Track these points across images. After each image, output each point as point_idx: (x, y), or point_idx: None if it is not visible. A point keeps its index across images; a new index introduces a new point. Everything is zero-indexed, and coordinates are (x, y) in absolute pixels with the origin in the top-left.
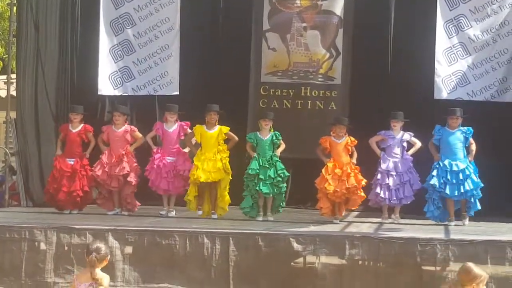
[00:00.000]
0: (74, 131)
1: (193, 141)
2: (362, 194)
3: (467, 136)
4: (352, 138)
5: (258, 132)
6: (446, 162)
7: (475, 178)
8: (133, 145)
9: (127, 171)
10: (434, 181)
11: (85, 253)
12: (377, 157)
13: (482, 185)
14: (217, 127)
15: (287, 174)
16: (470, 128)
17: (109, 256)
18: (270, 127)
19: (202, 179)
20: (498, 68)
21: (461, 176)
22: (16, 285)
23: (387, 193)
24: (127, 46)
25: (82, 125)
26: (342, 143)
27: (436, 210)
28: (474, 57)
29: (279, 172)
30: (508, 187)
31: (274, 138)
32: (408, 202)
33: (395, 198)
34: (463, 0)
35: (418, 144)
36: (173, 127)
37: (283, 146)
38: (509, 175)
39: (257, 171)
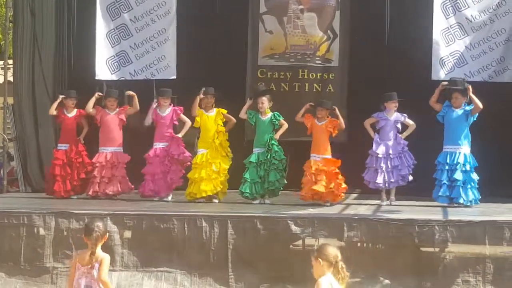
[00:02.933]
0: (70, 115)
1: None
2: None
3: (468, 115)
4: (333, 120)
5: (258, 113)
6: (448, 156)
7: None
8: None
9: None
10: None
11: (84, 233)
12: (372, 139)
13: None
14: (215, 109)
15: (282, 157)
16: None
17: (107, 234)
18: (267, 108)
19: (199, 195)
20: (495, 48)
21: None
22: (15, 270)
23: (378, 176)
24: (124, 30)
25: (76, 110)
26: (323, 126)
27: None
28: (471, 37)
29: (273, 155)
30: (506, 167)
31: (273, 118)
32: (400, 184)
33: (386, 181)
34: None
35: (412, 125)
36: (166, 111)
37: (285, 127)
38: (506, 155)
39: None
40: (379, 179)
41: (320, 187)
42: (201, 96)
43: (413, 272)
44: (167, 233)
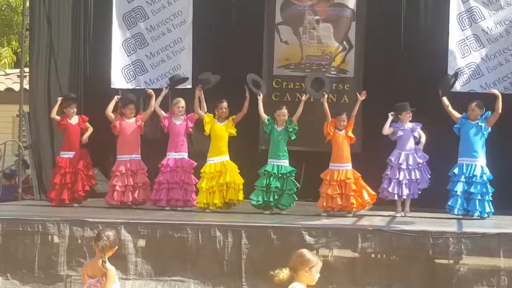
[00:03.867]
0: (72, 123)
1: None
2: (366, 198)
3: (483, 126)
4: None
5: (275, 124)
6: (464, 168)
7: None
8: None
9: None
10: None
11: (93, 240)
12: (391, 149)
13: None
14: (226, 120)
15: (291, 169)
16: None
17: (117, 246)
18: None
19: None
20: (511, 60)
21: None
22: (29, 278)
23: (396, 188)
24: (139, 39)
25: (78, 116)
26: (343, 134)
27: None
28: (487, 49)
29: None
30: None
31: (288, 126)
32: (416, 197)
33: (404, 193)
34: None
35: (423, 136)
36: (180, 120)
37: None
38: None
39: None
40: (391, 189)
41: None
42: (199, 89)
43: (427, 284)
44: (181, 242)
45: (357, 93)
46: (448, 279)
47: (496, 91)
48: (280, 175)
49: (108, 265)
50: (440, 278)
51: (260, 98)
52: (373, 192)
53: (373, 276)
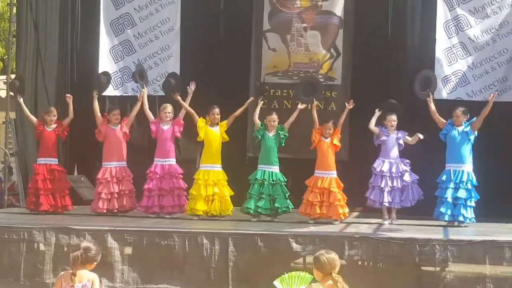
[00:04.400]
0: (49, 129)
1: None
2: (343, 211)
3: (469, 132)
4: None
5: (266, 130)
6: (452, 174)
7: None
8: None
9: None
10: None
11: (76, 253)
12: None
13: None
14: (218, 126)
15: (283, 178)
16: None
17: (96, 262)
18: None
19: (200, 212)
20: (498, 68)
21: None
22: (15, 286)
23: (379, 196)
24: (127, 46)
25: (56, 124)
26: (328, 142)
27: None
28: (474, 57)
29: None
30: (508, 186)
31: (279, 132)
32: (407, 206)
33: (389, 201)
34: (463, 0)
35: (413, 139)
36: (167, 125)
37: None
38: (508, 175)
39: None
40: (375, 197)
41: (318, 209)
42: (191, 89)
43: None
44: (168, 250)
45: (345, 102)
46: (434, 286)
47: (493, 94)
48: (272, 182)
49: (90, 273)
50: (427, 285)
51: (261, 103)
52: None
53: (360, 284)
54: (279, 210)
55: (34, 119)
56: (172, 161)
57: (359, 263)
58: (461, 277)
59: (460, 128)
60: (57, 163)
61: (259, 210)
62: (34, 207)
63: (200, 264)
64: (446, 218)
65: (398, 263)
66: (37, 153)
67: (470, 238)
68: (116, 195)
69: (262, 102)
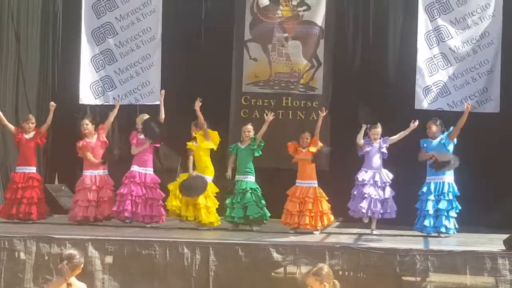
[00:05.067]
0: (27, 137)
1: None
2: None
3: (445, 142)
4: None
5: (239, 142)
6: (432, 187)
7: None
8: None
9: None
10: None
11: (58, 261)
12: (358, 166)
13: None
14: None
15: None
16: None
17: (82, 265)
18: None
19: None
20: (478, 79)
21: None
22: None
23: (362, 205)
24: (108, 55)
25: (33, 132)
26: (305, 152)
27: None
28: (454, 67)
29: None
30: (489, 197)
31: (252, 144)
32: (387, 217)
33: (371, 210)
34: (443, 11)
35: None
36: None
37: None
38: (489, 185)
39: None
40: (363, 205)
41: (306, 219)
42: (161, 96)
43: None
44: (149, 259)
45: (319, 111)
46: None
47: (469, 104)
48: (242, 190)
49: (78, 283)
50: None
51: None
52: (332, 218)
53: None
54: (250, 218)
55: (11, 127)
56: (150, 170)
57: (340, 273)
58: (441, 287)
59: (436, 140)
60: (34, 171)
61: (234, 219)
62: (9, 216)
63: (181, 273)
64: (429, 230)
65: (379, 273)
66: None
67: (451, 249)
68: (94, 203)
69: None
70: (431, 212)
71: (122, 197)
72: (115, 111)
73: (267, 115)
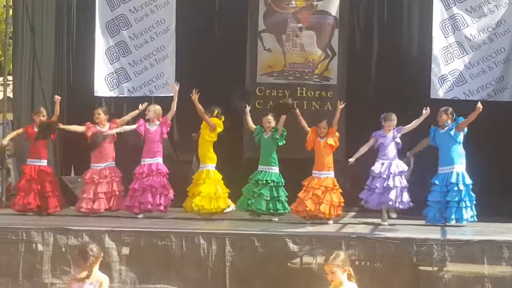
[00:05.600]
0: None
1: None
2: (335, 211)
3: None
4: (336, 135)
5: (263, 131)
6: (442, 177)
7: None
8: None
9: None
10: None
11: (78, 255)
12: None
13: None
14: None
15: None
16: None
17: (101, 256)
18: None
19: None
20: (494, 67)
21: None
22: (13, 286)
23: (375, 196)
24: (123, 47)
25: None
26: (324, 142)
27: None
28: (470, 56)
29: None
30: (505, 186)
31: (274, 134)
32: (401, 208)
33: (385, 201)
34: None
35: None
36: (154, 126)
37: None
38: (505, 174)
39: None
40: (376, 199)
41: (323, 207)
42: (175, 89)
43: None
44: (165, 250)
45: (338, 101)
46: (432, 286)
47: (480, 106)
48: (269, 183)
49: (101, 274)
50: (424, 285)
51: (247, 109)
52: (340, 212)
53: (357, 284)
54: (278, 211)
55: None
56: (159, 160)
57: (356, 263)
58: (459, 277)
59: (444, 130)
60: (45, 164)
61: (254, 209)
62: (19, 208)
63: (197, 264)
64: (431, 221)
65: (396, 263)
66: None
67: (468, 238)
68: (102, 195)
69: (249, 108)
70: (437, 203)
71: (134, 192)
72: (135, 112)
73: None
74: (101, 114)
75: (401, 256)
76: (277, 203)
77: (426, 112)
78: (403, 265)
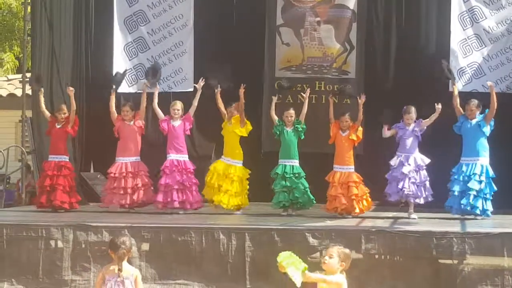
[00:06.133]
0: (58, 127)
1: None
2: (362, 205)
3: (481, 124)
4: (353, 125)
5: (284, 125)
6: (464, 168)
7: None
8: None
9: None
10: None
11: (109, 248)
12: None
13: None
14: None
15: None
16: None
17: (132, 248)
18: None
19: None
20: None
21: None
22: (33, 283)
23: (397, 191)
24: (141, 43)
25: (64, 121)
26: (346, 136)
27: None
28: (489, 48)
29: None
30: None
31: (297, 125)
32: (424, 201)
33: (407, 194)
34: None
35: (430, 118)
36: (178, 122)
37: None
38: None
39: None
40: (398, 193)
41: (354, 204)
42: (200, 86)
43: (431, 284)
44: (185, 246)
45: (357, 97)
46: (452, 279)
47: (490, 82)
48: (293, 176)
49: (132, 268)
50: (444, 278)
51: (275, 99)
52: (370, 200)
53: (377, 277)
54: (301, 205)
55: (48, 114)
56: (185, 157)
57: (376, 256)
58: (479, 269)
59: (474, 121)
60: (66, 160)
61: (289, 203)
62: (41, 205)
63: (217, 259)
64: (454, 211)
65: (415, 257)
66: None
67: (488, 231)
68: (129, 190)
69: (276, 98)
70: (456, 193)
71: (166, 187)
72: (144, 96)
73: (300, 100)
74: (129, 111)
75: (421, 249)
76: (302, 196)
77: (438, 108)
78: (423, 259)
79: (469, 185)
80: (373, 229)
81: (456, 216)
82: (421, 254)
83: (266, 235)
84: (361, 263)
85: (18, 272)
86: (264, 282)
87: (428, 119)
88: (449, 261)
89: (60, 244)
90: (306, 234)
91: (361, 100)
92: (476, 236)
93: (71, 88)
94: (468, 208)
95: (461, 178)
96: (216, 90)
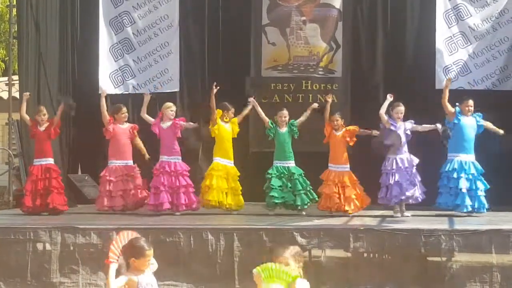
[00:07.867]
0: (41, 129)
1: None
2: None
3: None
4: (351, 128)
5: (277, 126)
6: (456, 164)
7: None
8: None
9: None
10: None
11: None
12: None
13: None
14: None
15: (300, 171)
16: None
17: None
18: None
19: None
20: (498, 57)
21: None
22: (22, 286)
23: (391, 193)
24: (127, 44)
25: (47, 123)
26: (340, 136)
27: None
28: (474, 46)
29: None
30: (511, 174)
31: (291, 128)
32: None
33: (399, 196)
34: None
35: (422, 127)
36: (168, 124)
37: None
38: (511, 163)
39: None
40: (391, 195)
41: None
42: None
43: (420, 282)
44: (173, 247)
45: (326, 96)
46: (440, 276)
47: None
48: (288, 175)
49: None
50: (433, 276)
51: (252, 101)
52: (365, 198)
53: (366, 276)
54: (300, 206)
55: (27, 118)
56: (178, 159)
57: (365, 255)
58: (467, 266)
59: (470, 119)
60: (51, 162)
61: (282, 201)
62: (26, 209)
63: (205, 260)
64: (446, 207)
65: (404, 254)
66: None
67: (476, 228)
68: (121, 192)
69: (254, 99)
70: (448, 188)
71: (156, 189)
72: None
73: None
74: (124, 112)
75: (409, 247)
76: (301, 197)
77: (435, 126)
78: (411, 256)
79: (461, 183)
80: (362, 228)
81: (448, 213)
82: (409, 252)
83: (254, 235)
84: (349, 261)
85: (6, 275)
86: (253, 282)
87: (420, 127)
88: (437, 259)
89: (48, 246)
90: (295, 233)
91: (329, 99)
92: (464, 234)
93: (62, 106)
94: (465, 209)
95: (453, 175)
96: (212, 89)
